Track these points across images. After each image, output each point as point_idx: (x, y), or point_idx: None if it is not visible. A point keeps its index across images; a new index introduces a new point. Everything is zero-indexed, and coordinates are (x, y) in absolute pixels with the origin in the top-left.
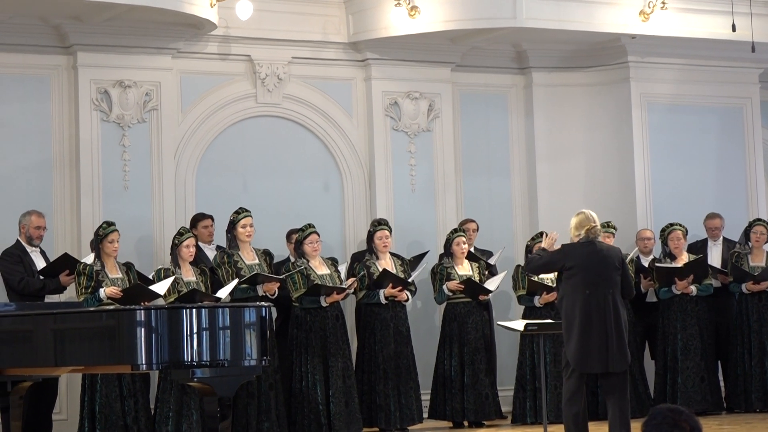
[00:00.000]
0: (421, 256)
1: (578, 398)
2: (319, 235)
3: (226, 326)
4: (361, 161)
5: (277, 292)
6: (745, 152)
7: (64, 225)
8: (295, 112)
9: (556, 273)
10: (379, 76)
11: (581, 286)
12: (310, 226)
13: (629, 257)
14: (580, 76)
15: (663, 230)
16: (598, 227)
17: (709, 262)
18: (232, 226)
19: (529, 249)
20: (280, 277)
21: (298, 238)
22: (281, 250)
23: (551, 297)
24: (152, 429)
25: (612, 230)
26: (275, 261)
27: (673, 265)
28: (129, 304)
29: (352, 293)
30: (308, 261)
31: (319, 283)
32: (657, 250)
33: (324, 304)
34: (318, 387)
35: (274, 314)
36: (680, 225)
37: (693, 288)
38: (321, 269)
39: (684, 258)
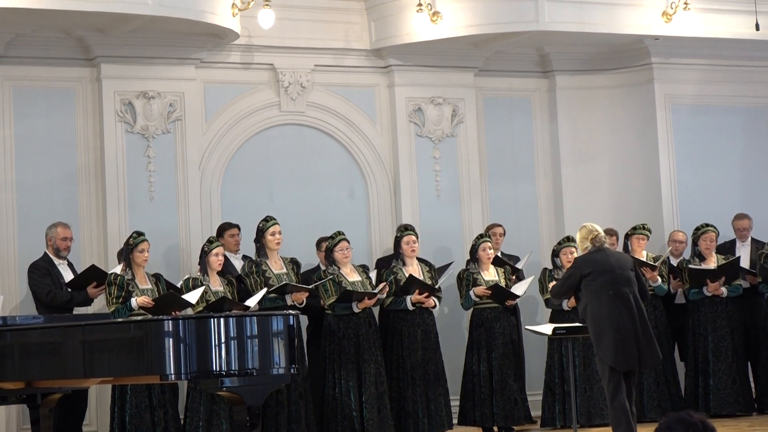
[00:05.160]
0: (445, 267)
1: (621, 394)
2: (349, 242)
3: (254, 335)
4: (386, 168)
5: (305, 302)
6: None
7: (90, 237)
8: (318, 119)
9: None
10: (402, 83)
11: (603, 288)
12: (339, 233)
13: (662, 258)
14: (604, 78)
15: (696, 230)
16: (602, 234)
17: None
18: (261, 234)
19: (555, 253)
20: (309, 286)
21: (328, 245)
22: (308, 258)
23: None
24: None
25: (647, 233)
26: (304, 269)
27: (706, 266)
28: (160, 313)
29: (383, 298)
30: (339, 268)
31: (351, 289)
32: (686, 252)
33: (356, 310)
34: (351, 393)
35: (305, 323)
36: (714, 227)
37: (724, 290)
38: (352, 276)
39: (713, 259)
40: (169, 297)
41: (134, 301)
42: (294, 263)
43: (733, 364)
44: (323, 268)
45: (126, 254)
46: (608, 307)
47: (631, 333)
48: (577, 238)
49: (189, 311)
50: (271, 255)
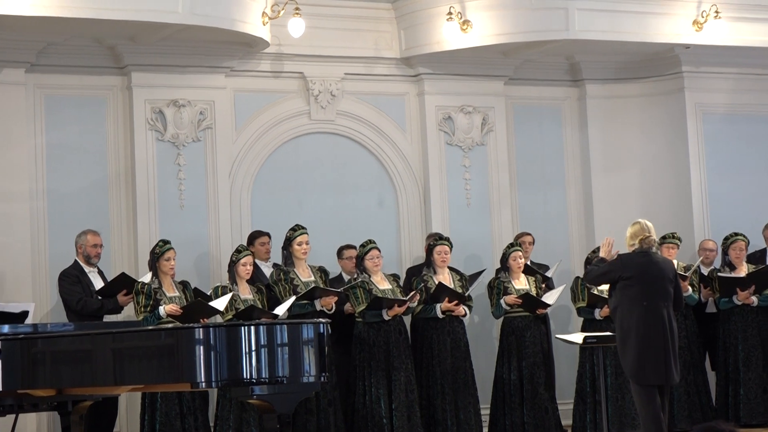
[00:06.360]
0: (477, 275)
1: (655, 403)
2: (380, 250)
3: (285, 343)
4: (416, 176)
5: (334, 308)
6: None
7: (121, 245)
8: (348, 128)
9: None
10: (432, 91)
11: (639, 297)
12: (371, 242)
13: (693, 268)
14: (634, 87)
15: (726, 239)
16: (653, 237)
17: None
18: (288, 243)
19: (588, 261)
20: (338, 290)
21: (360, 254)
22: (337, 267)
23: None
24: None
25: (677, 241)
26: (329, 278)
27: (736, 275)
28: (188, 321)
29: (414, 306)
30: (370, 276)
31: (381, 296)
32: (717, 261)
33: (386, 318)
34: (381, 401)
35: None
36: (744, 236)
37: (754, 298)
38: (383, 284)
39: (743, 268)
40: (196, 305)
41: (162, 310)
42: (322, 271)
43: (763, 374)
44: (346, 277)
45: (152, 263)
46: (638, 319)
47: (660, 348)
48: (628, 232)
49: (218, 319)
50: (298, 263)
